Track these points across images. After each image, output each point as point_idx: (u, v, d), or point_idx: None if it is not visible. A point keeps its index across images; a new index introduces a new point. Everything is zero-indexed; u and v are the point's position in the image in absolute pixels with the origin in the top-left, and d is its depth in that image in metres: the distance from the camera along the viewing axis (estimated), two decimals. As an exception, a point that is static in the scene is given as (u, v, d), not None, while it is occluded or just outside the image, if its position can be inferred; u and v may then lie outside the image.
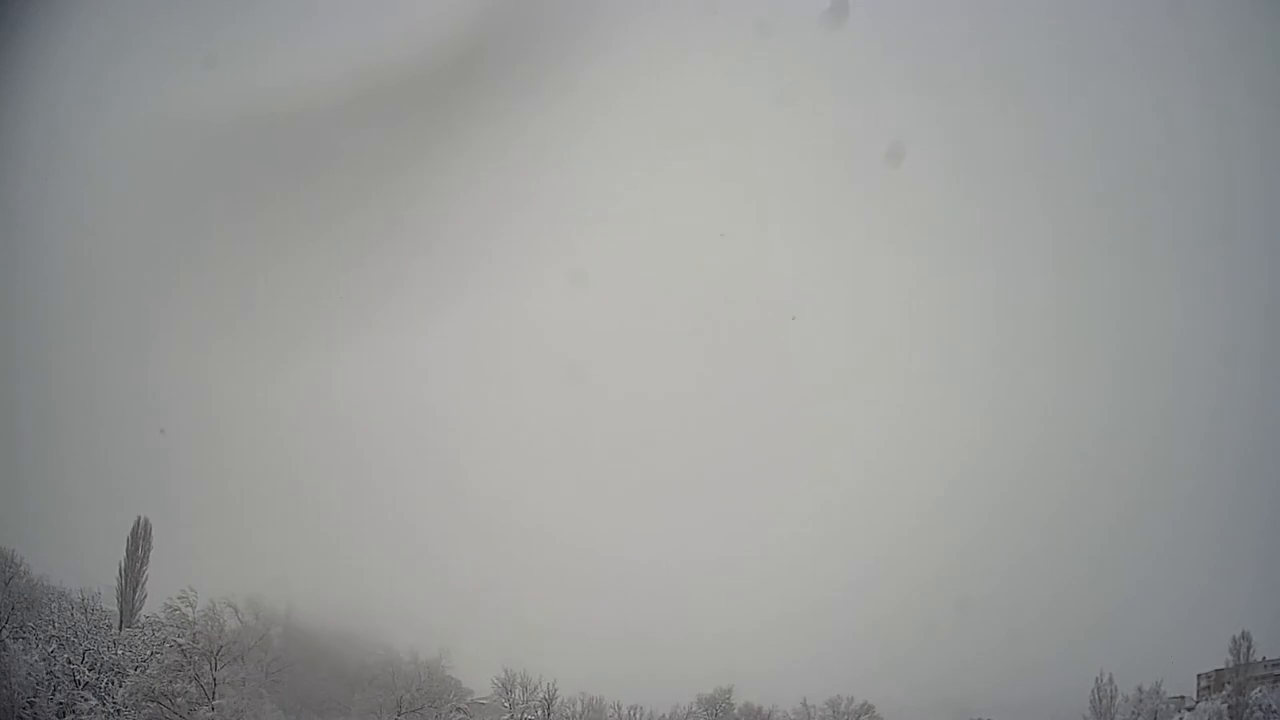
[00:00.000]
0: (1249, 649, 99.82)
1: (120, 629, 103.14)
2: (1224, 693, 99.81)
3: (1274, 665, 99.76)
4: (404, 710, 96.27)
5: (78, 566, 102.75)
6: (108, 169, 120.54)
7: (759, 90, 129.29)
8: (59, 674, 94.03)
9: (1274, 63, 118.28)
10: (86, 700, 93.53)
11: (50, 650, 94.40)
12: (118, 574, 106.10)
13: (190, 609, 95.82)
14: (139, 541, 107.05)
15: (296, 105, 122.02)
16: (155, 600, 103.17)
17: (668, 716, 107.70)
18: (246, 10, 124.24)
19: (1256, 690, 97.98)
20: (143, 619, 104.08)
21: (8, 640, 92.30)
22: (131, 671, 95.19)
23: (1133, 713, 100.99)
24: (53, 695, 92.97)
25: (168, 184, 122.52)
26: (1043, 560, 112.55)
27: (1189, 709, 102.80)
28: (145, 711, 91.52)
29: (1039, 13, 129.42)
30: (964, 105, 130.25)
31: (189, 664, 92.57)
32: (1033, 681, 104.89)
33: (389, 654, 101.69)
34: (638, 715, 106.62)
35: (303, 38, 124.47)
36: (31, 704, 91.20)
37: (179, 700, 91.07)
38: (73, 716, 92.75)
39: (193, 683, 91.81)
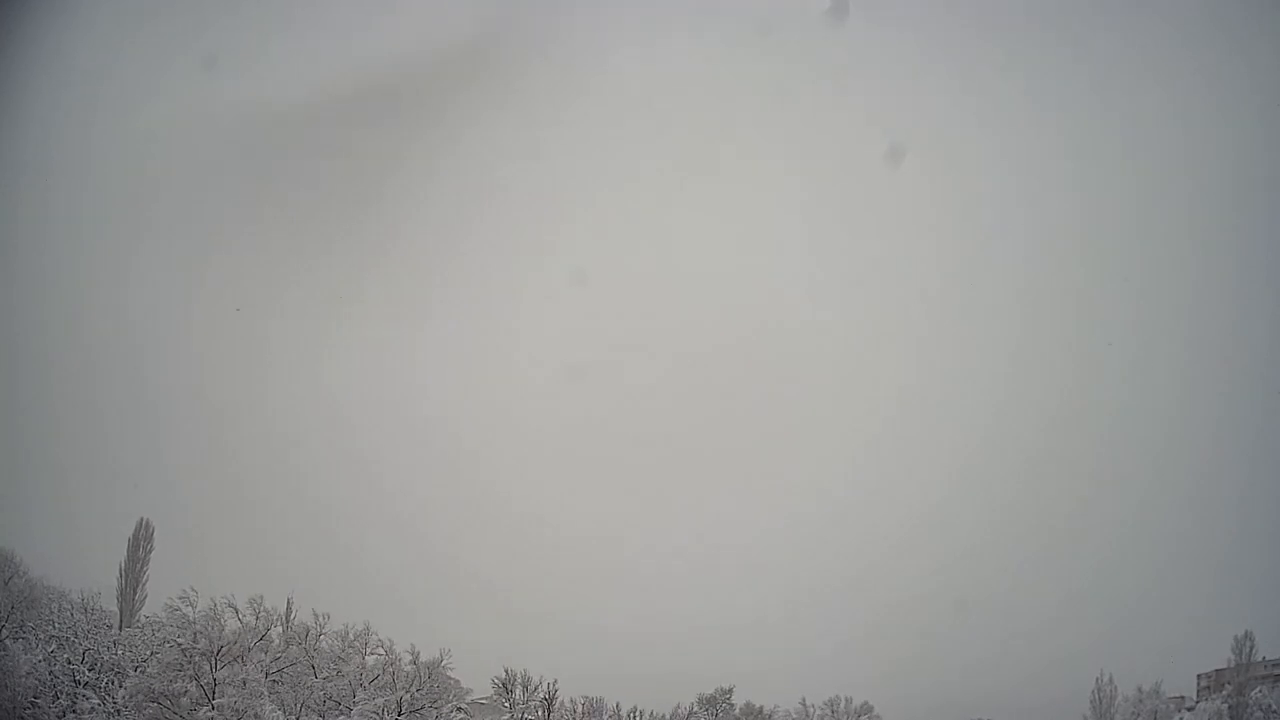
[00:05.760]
0: (1251, 648, 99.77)
1: (120, 629, 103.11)
2: (1224, 693, 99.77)
3: (1274, 665, 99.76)
4: (404, 710, 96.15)
5: (78, 566, 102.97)
6: (107, 169, 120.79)
7: (759, 89, 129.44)
8: (59, 674, 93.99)
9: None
10: (88, 699, 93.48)
11: (50, 650, 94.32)
12: (118, 574, 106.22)
13: (190, 609, 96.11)
14: (140, 542, 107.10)
15: (295, 105, 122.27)
16: (155, 600, 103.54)
17: (668, 716, 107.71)
18: (244, 11, 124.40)
19: (1256, 690, 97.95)
20: (143, 619, 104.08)
21: (8, 641, 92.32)
22: (132, 671, 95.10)
23: (1133, 713, 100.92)
24: (55, 698, 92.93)
25: (167, 184, 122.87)
26: (1044, 560, 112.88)
27: (1189, 709, 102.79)
28: (146, 712, 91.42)
29: (1042, 8, 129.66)
30: (967, 103, 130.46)
31: (189, 664, 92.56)
32: (1033, 682, 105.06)
33: (389, 654, 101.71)
34: (637, 715, 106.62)
35: (300, 38, 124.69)
36: (34, 704, 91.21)
37: (180, 700, 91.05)
38: (74, 716, 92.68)
39: (193, 682, 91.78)
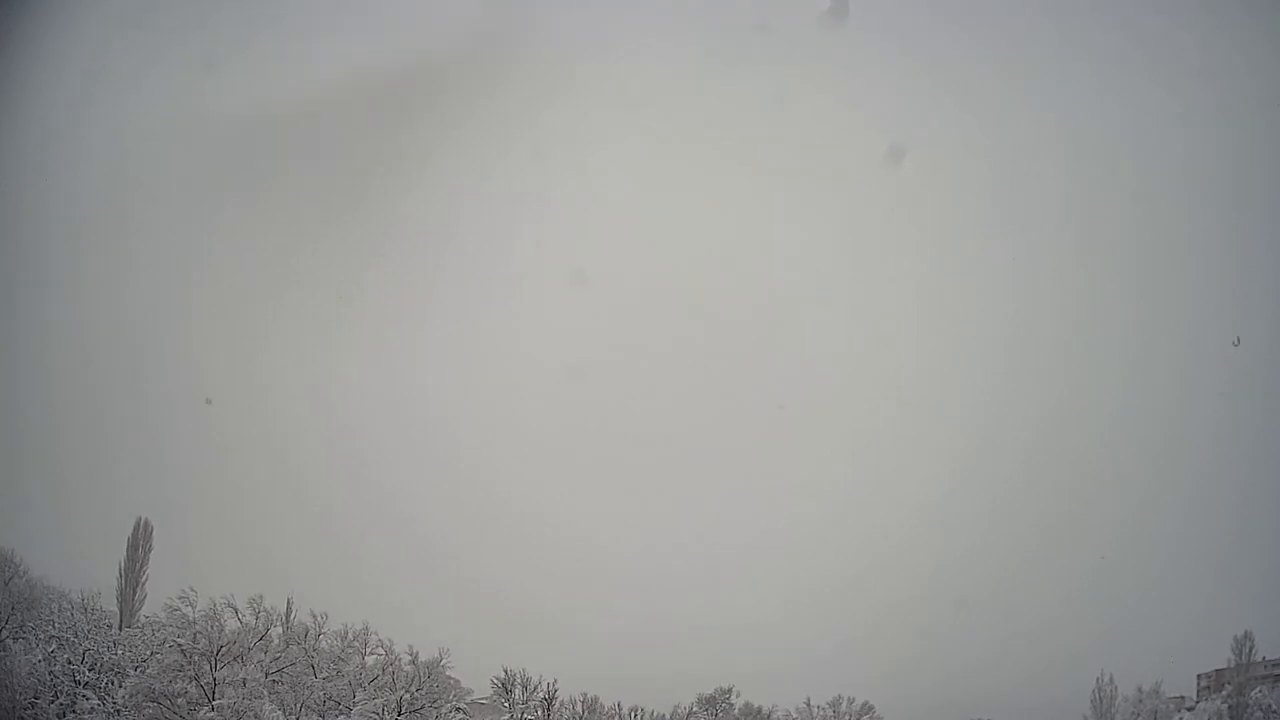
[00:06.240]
0: (1251, 648, 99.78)
1: (120, 629, 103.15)
2: (1224, 693, 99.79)
3: (1274, 665, 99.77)
4: (404, 710, 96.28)
5: (78, 566, 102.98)
6: (107, 170, 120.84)
7: (759, 89, 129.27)
8: (59, 674, 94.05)
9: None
10: (88, 699, 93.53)
11: (50, 650, 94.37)
12: (118, 574, 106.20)
13: (190, 609, 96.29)
14: (139, 541, 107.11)
15: (295, 104, 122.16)
16: (155, 600, 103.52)
17: (668, 716, 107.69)
18: (246, 10, 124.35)
19: (1256, 690, 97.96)
20: (143, 619, 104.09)
21: (8, 641, 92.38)
22: (132, 671, 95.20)
23: (1133, 713, 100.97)
24: (55, 698, 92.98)
25: (168, 185, 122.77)
26: (1044, 560, 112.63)
27: (1189, 709, 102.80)
28: (145, 712, 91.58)
29: (1042, 8, 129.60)
30: (967, 102, 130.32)
31: (189, 664, 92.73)
32: (1033, 682, 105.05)
33: (389, 654, 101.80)
34: (638, 715, 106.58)
35: (301, 38, 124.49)
36: (34, 704, 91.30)
37: (179, 700, 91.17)
38: (74, 716, 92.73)
39: (193, 683, 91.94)
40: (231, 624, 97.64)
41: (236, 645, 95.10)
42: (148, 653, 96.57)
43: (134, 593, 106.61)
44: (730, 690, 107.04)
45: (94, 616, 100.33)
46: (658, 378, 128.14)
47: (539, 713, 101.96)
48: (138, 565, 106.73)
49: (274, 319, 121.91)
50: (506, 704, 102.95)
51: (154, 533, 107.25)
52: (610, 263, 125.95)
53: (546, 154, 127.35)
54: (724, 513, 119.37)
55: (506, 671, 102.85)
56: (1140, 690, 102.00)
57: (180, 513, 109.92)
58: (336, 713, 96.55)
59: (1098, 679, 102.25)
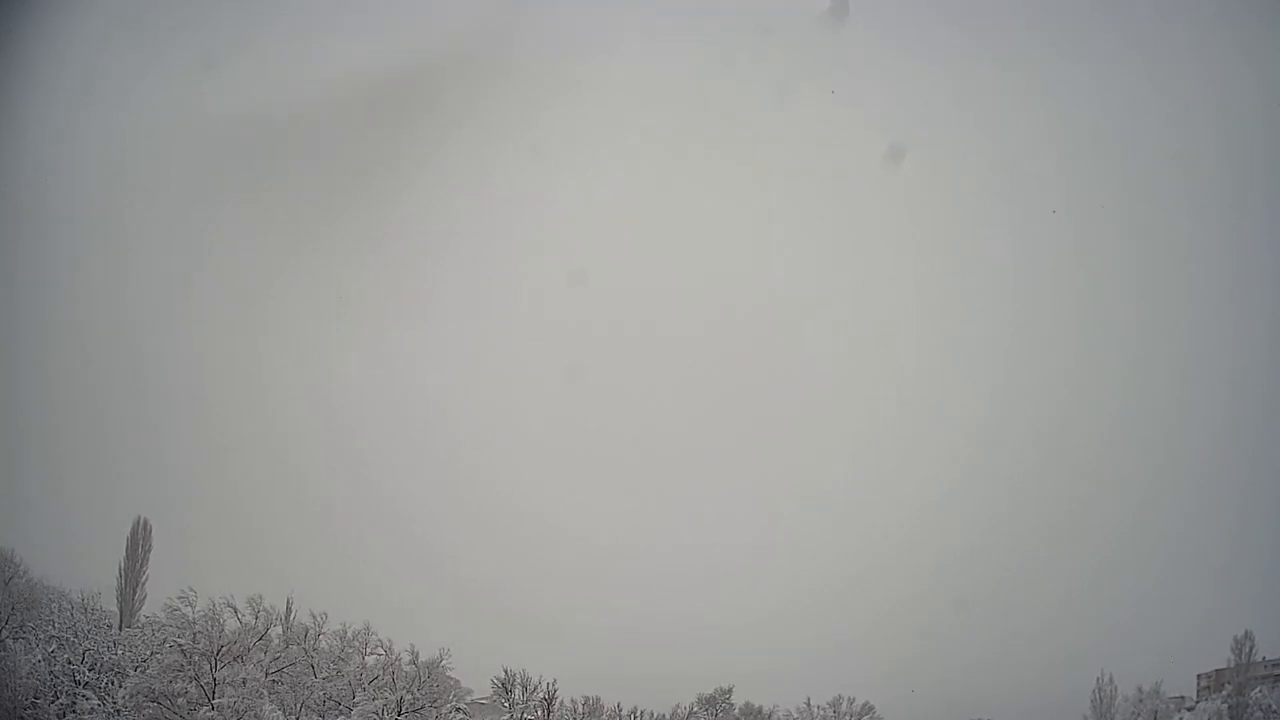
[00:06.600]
0: (1251, 649, 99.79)
1: (120, 629, 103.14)
2: (1224, 693, 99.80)
3: (1274, 665, 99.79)
4: (404, 710, 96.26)
5: (78, 566, 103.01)
6: (107, 170, 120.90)
7: (759, 89, 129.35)
8: (59, 674, 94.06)
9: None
10: (88, 699, 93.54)
11: (50, 650, 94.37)
12: (118, 574, 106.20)
13: (190, 609, 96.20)
14: (139, 541, 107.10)
15: (294, 104, 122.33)
16: (155, 600, 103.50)
17: (668, 716, 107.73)
18: (246, 10, 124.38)
19: (1256, 690, 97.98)
20: (143, 619, 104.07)
21: (8, 641, 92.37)
22: (132, 671, 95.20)
23: (1133, 713, 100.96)
24: (55, 698, 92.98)
25: (167, 185, 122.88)
26: (1044, 560, 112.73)
27: (1189, 709, 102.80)
28: (145, 712, 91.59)
29: (1042, 9, 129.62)
30: (966, 102, 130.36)
31: (189, 664, 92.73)
32: (1034, 682, 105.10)
33: (388, 654, 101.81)
34: (638, 715, 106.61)
35: (302, 38, 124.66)
36: (34, 704, 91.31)
37: (179, 700, 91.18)
38: (74, 716, 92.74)
39: (193, 683, 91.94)
40: (231, 624, 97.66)
41: (236, 645, 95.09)
42: (148, 653, 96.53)
43: (134, 593, 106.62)
44: (730, 690, 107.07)
45: (94, 616, 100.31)
46: (658, 378, 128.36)
47: (539, 713, 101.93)
48: (138, 565, 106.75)
49: (274, 319, 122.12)
50: (506, 704, 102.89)
51: (154, 533, 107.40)
52: (610, 263, 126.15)
53: (546, 154, 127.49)
54: (724, 513, 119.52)
55: (506, 671, 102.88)
56: (1140, 690, 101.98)
57: (180, 513, 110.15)
58: (336, 713, 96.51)
59: (1098, 679, 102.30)
